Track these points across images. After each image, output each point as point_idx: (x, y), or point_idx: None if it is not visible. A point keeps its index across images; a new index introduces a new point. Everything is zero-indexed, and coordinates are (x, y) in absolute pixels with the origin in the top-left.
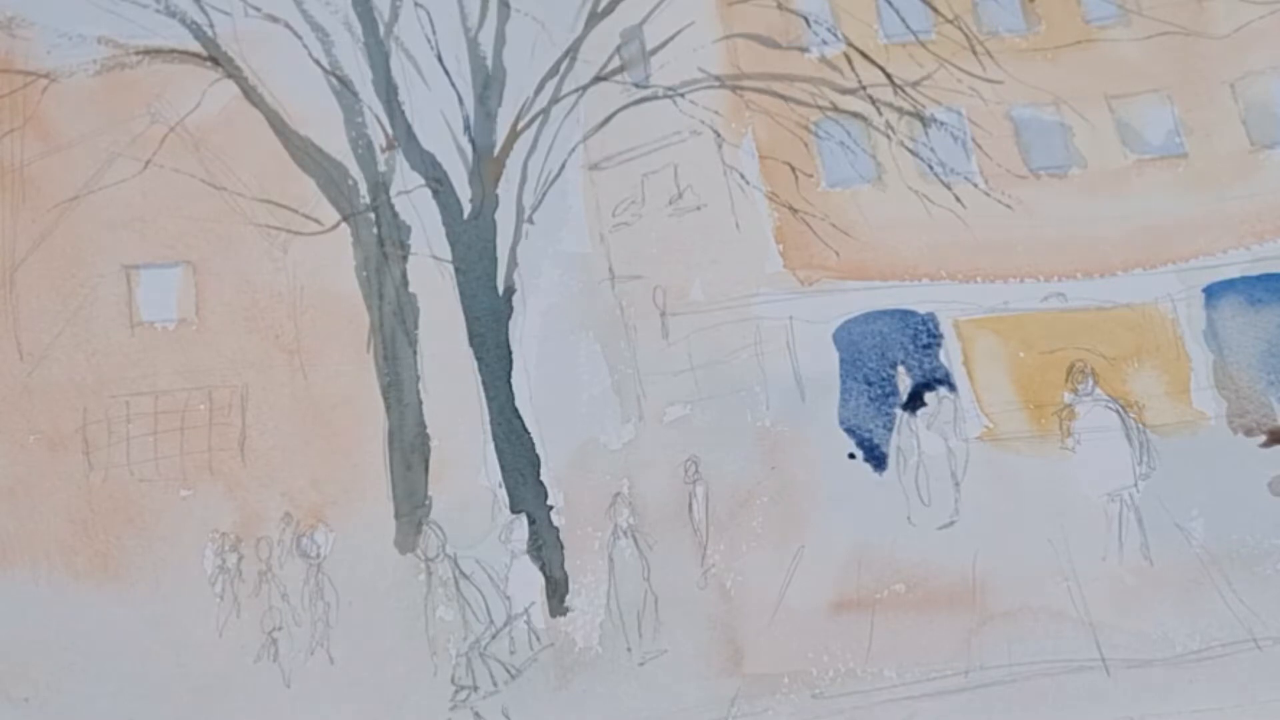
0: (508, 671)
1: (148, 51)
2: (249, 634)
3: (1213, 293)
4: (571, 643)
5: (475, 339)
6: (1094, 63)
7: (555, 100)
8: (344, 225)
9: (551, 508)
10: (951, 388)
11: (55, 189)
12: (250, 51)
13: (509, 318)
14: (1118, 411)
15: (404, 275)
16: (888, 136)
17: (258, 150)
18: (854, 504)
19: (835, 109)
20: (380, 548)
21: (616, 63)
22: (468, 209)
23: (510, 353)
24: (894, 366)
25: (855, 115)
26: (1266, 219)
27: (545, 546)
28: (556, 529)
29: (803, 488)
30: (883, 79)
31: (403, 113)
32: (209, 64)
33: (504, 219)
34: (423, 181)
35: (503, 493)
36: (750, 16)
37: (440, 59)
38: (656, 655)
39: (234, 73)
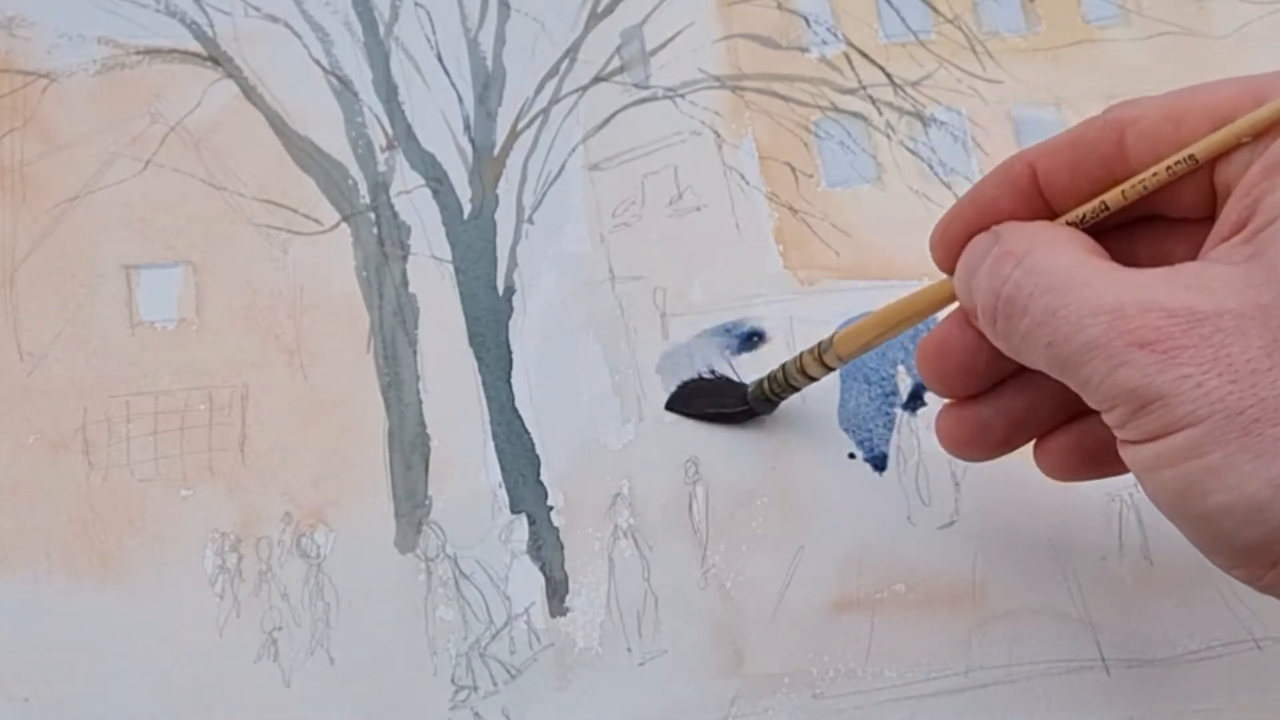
0: (508, 671)
1: (148, 51)
2: (249, 634)
3: None
4: (571, 643)
5: (475, 339)
6: (1094, 63)
7: (555, 100)
8: (344, 225)
9: (551, 508)
10: None
11: (55, 189)
12: (250, 51)
13: (509, 318)
14: None
15: (404, 275)
16: (888, 136)
17: (258, 150)
18: (854, 504)
19: (835, 109)
20: (380, 548)
21: (616, 63)
22: (468, 209)
23: (510, 353)
24: (894, 366)
25: (855, 115)
26: None
27: (545, 546)
28: (556, 529)
29: (803, 488)
30: (883, 79)
31: (403, 113)
32: (209, 64)
33: (504, 219)
34: (423, 181)
35: (503, 493)
36: (750, 16)
37: (440, 59)
38: (656, 655)
39: (234, 73)
